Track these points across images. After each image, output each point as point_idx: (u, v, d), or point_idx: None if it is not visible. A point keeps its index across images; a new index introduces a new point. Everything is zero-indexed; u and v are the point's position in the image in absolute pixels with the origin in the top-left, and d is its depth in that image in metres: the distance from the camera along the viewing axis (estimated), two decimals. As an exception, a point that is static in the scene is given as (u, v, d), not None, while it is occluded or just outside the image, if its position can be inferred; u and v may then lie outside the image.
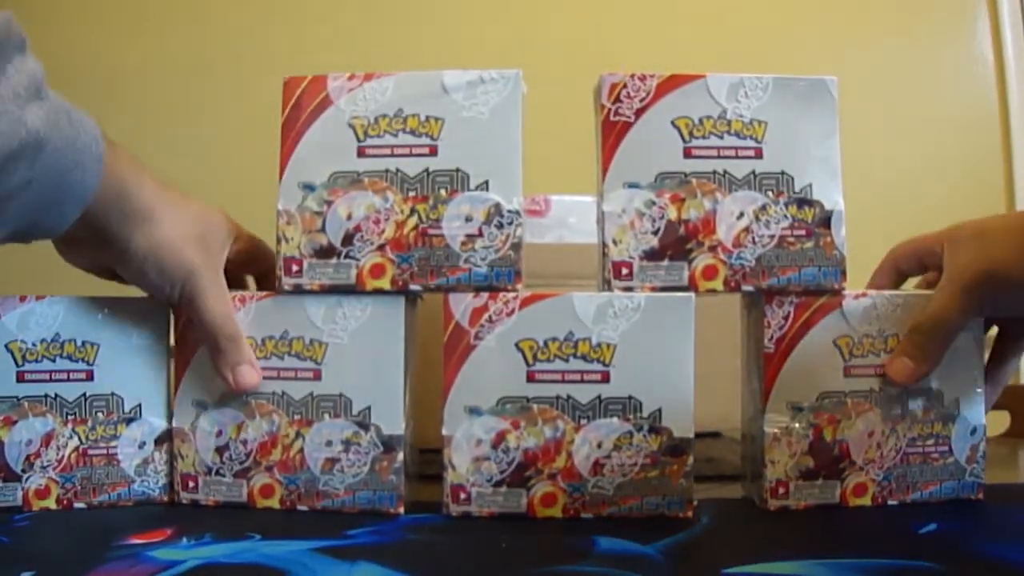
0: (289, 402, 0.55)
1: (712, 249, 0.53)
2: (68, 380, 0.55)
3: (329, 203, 0.54)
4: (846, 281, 0.54)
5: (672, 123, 0.54)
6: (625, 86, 0.54)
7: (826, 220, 0.54)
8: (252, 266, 0.60)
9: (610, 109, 0.54)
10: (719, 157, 0.54)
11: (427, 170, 0.54)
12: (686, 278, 0.53)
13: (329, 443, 0.54)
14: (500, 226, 0.53)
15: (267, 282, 0.59)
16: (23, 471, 0.54)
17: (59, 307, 0.55)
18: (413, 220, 0.54)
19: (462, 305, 0.52)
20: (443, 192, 0.53)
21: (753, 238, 0.53)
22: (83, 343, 0.55)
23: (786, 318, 0.54)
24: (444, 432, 0.53)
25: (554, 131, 0.61)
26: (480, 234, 0.53)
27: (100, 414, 0.55)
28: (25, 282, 0.71)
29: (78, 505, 0.55)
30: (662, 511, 0.52)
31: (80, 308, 0.55)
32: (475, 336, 0.52)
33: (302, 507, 0.55)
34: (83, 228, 0.49)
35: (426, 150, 0.54)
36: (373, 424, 0.54)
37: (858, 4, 1.43)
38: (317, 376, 0.54)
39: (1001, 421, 0.95)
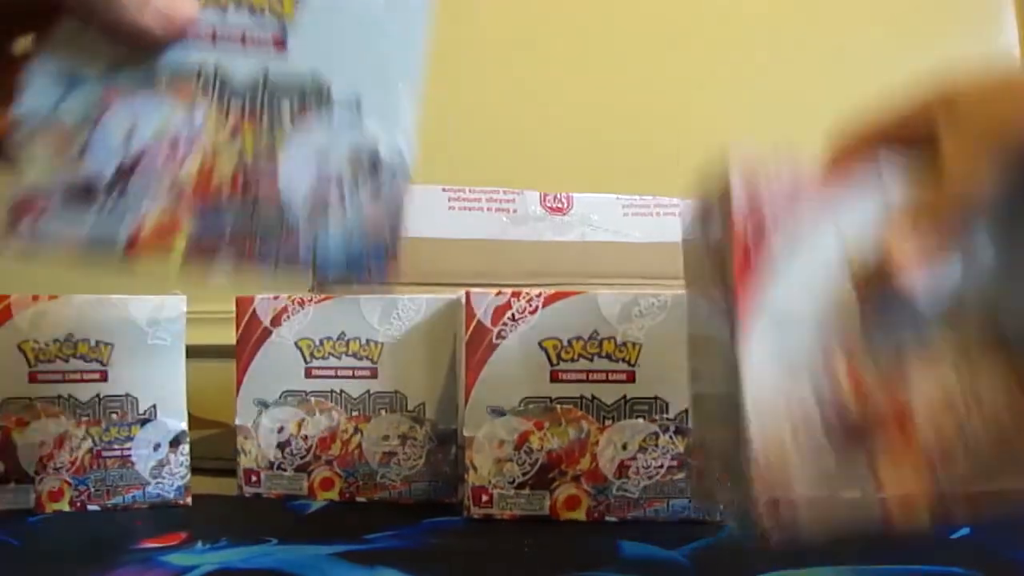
0: (347, 399, 0.57)
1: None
2: (82, 381, 0.54)
3: None
4: None
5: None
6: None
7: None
8: None
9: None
10: None
11: None
12: None
13: (386, 437, 0.56)
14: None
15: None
16: (36, 473, 0.53)
17: (72, 307, 0.54)
18: None
19: (484, 303, 0.51)
20: None
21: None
22: (97, 343, 0.54)
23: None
24: (466, 433, 0.52)
25: (570, 129, 0.60)
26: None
27: (114, 415, 0.54)
28: (38, 282, 0.71)
29: (92, 507, 0.54)
30: (689, 515, 0.51)
31: (94, 308, 0.54)
32: (497, 335, 0.51)
33: (361, 499, 0.57)
34: None
35: None
36: (427, 419, 0.56)
37: (881, -1, 1.41)
38: (374, 374, 0.57)
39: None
